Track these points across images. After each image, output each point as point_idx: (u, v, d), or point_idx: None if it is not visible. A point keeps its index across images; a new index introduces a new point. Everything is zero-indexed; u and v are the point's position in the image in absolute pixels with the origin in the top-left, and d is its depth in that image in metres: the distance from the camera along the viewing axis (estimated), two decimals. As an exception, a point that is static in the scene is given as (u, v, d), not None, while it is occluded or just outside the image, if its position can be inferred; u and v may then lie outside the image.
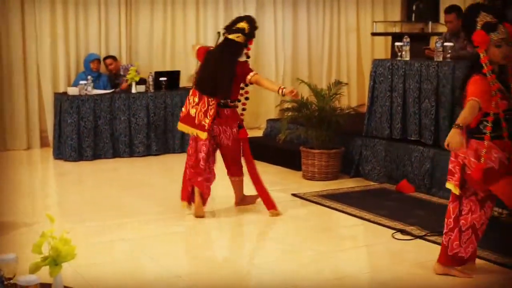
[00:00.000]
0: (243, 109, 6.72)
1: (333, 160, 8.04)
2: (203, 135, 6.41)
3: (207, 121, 6.38)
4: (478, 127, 4.49)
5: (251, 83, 6.50)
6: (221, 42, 6.63)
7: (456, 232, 4.78)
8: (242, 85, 6.59)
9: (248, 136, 6.65)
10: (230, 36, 6.48)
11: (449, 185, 4.76)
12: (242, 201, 6.91)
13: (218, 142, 6.55)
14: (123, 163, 9.17)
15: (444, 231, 4.86)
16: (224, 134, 6.49)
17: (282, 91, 6.35)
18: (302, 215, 6.79)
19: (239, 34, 6.45)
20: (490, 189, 4.57)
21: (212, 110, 6.40)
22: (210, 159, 6.54)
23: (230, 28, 6.55)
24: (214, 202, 6.92)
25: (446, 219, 4.84)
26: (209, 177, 6.55)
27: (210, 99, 6.43)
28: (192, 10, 10.87)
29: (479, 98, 4.36)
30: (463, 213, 4.76)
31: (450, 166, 4.68)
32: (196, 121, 6.45)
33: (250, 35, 6.52)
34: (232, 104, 6.53)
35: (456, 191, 4.68)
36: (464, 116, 4.36)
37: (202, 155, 6.45)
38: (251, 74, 6.45)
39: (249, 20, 6.59)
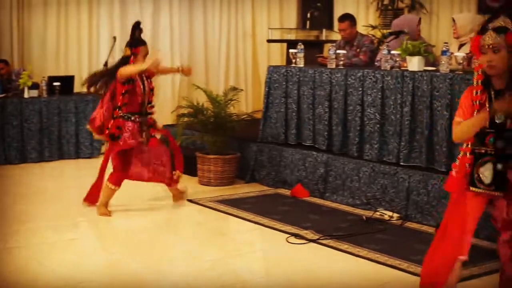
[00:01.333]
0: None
1: (229, 166, 8.08)
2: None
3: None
4: None
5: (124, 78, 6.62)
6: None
7: None
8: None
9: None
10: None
11: None
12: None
13: None
14: (14, 170, 8.94)
15: None
16: None
17: (181, 70, 7.12)
18: (198, 220, 6.79)
19: (126, 48, 6.72)
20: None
21: None
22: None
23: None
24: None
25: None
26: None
27: None
28: (86, 14, 10.70)
29: (461, 112, 3.96)
30: None
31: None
32: None
33: (130, 43, 6.74)
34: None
35: None
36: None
37: None
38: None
39: (134, 27, 6.76)
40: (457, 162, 4.02)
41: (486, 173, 3.86)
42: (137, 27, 6.75)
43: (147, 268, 5.34)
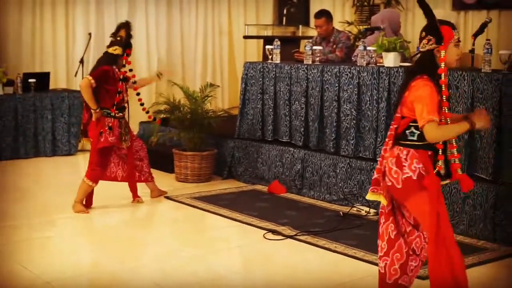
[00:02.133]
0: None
1: (206, 162, 8.06)
2: None
3: None
4: (405, 133, 3.97)
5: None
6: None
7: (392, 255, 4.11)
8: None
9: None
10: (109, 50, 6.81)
11: (374, 196, 4.15)
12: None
13: None
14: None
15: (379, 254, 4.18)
16: None
17: (160, 77, 7.41)
18: (175, 217, 6.79)
19: (116, 47, 6.76)
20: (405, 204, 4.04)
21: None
22: None
23: (114, 36, 6.86)
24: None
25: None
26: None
27: None
28: (62, 10, 10.61)
29: (432, 109, 3.85)
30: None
31: (375, 171, 4.13)
32: None
33: (124, 44, 6.79)
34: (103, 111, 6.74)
35: (384, 201, 4.08)
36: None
37: None
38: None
39: (127, 27, 6.79)
40: (414, 161, 3.91)
41: (443, 166, 3.94)
42: (129, 27, 6.81)
43: (124, 265, 5.33)
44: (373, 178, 4.08)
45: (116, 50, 6.73)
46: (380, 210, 4.12)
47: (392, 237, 4.03)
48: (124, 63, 6.79)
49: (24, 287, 4.85)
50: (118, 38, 6.78)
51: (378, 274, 4.08)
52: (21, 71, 9.80)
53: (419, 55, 4.02)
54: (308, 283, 4.98)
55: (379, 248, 4.08)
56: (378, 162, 4.06)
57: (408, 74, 4.07)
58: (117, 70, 6.74)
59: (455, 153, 3.96)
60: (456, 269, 3.86)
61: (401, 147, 3.93)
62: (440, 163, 3.91)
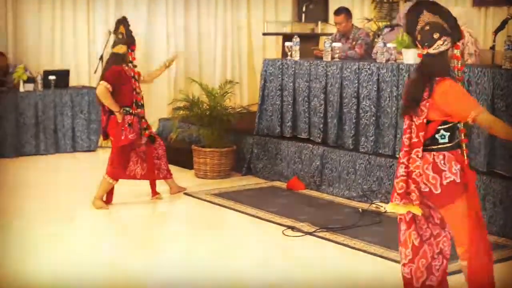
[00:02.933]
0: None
1: (225, 159, 8.07)
2: None
3: None
4: (435, 137, 3.87)
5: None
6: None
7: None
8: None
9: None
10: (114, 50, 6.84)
11: (400, 207, 3.97)
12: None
13: None
14: (10, 163, 8.92)
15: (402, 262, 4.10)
16: None
17: (167, 63, 7.45)
18: (194, 214, 6.81)
19: (121, 45, 6.77)
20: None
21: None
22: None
23: (115, 33, 6.89)
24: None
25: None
26: None
27: None
28: (82, 6, 10.65)
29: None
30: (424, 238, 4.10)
31: (401, 183, 3.95)
32: None
33: (126, 41, 6.81)
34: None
35: (419, 211, 3.93)
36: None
37: None
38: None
39: (124, 23, 6.82)
40: (453, 163, 3.85)
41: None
42: (127, 22, 6.81)
43: (143, 261, 5.35)
44: (399, 191, 3.99)
45: (121, 48, 6.74)
46: (399, 216, 4.07)
47: (416, 244, 3.97)
48: (130, 59, 6.80)
49: (42, 283, 4.89)
50: (120, 36, 6.79)
51: (403, 279, 4.03)
52: (41, 69, 9.86)
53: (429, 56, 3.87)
54: (327, 280, 4.98)
55: (403, 255, 4.01)
56: (403, 172, 3.97)
57: (423, 76, 3.90)
58: (127, 68, 6.76)
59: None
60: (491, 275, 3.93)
61: (435, 152, 3.84)
62: (465, 157, 3.91)
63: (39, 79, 9.53)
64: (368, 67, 7.08)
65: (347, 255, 5.46)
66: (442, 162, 3.84)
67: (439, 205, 3.92)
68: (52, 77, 9.54)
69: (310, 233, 5.93)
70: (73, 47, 10.59)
